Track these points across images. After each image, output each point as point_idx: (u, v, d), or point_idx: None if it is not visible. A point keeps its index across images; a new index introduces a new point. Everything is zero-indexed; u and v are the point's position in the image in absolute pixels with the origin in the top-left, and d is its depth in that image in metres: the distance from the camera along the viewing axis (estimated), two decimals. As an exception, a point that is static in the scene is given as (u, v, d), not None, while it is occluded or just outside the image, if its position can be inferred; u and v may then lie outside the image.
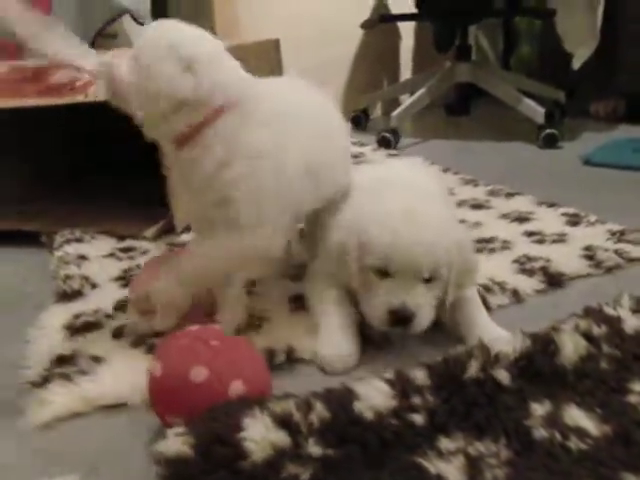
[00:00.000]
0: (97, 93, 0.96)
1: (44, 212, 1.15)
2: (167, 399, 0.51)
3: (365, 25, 1.76)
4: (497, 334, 0.63)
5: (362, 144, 1.59)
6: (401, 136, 1.55)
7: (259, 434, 0.46)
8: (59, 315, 0.75)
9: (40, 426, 0.57)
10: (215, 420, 0.47)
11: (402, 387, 0.52)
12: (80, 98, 0.99)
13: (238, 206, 0.61)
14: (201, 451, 0.45)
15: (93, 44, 1.50)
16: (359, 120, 1.83)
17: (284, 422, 0.48)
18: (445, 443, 0.49)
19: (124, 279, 0.85)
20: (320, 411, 0.49)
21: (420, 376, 0.53)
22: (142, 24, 1.52)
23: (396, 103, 2.00)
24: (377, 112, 2.05)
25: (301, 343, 0.65)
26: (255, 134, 0.61)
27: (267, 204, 0.62)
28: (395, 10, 1.92)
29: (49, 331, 0.72)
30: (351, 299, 0.68)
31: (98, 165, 1.34)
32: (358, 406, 0.50)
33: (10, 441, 0.56)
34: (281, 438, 0.47)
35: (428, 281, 0.62)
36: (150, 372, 0.52)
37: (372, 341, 0.66)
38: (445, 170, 1.28)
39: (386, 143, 1.53)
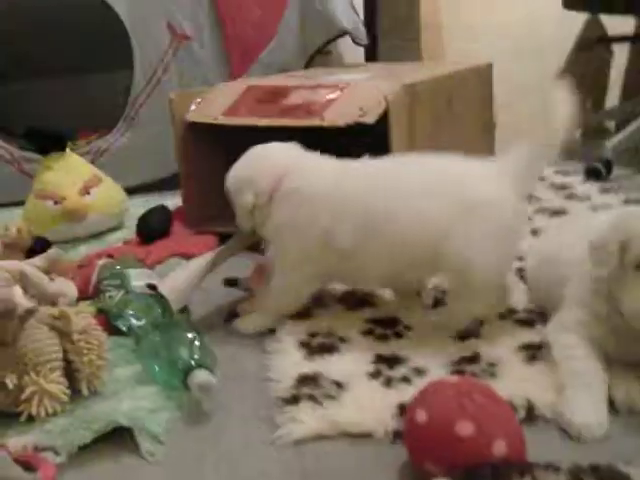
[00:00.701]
0: (334, 118, 1.01)
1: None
2: (429, 447, 0.53)
3: (582, 46, 1.66)
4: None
5: (566, 172, 1.50)
6: (613, 168, 1.43)
7: (533, 504, 0.46)
8: (294, 331, 0.81)
9: (292, 442, 0.62)
10: (485, 480, 0.48)
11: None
12: (317, 122, 1.03)
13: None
14: (475, 511, 0.46)
15: (310, 61, 1.61)
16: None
17: (557, 497, 0.47)
18: None
19: (348, 301, 0.90)
20: (594, 491, 0.48)
21: None
22: (359, 45, 1.60)
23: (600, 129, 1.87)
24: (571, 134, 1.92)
25: (542, 399, 0.63)
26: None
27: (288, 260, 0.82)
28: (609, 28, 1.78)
29: (287, 346, 0.78)
30: (602, 357, 0.65)
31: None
32: (635, 493, 0.48)
33: (268, 452, 0.61)
34: (555, 513, 0.46)
35: None
36: (413, 418, 0.54)
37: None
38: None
39: (596, 174, 1.42)
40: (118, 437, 0.63)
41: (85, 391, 0.68)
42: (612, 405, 0.62)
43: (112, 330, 0.81)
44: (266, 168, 0.84)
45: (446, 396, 0.53)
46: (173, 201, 1.45)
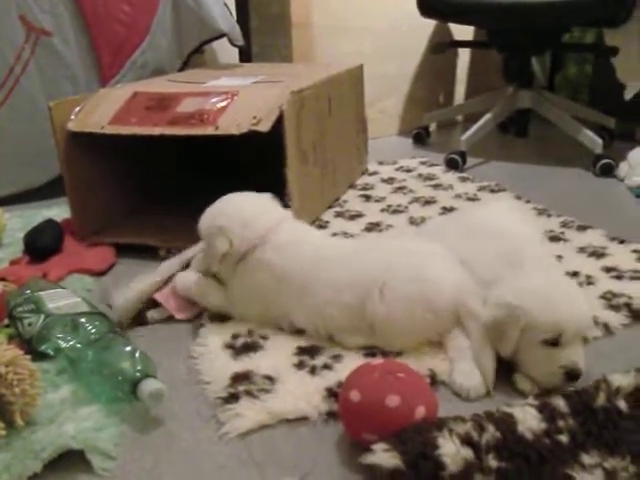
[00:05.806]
0: (228, 127, 1.03)
1: (160, 225, 1.24)
2: (364, 420, 0.63)
3: (435, 50, 1.87)
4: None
5: (432, 164, 1.70)
6: (467, 158, 1.65)
7: (452, 450, 0.59)
8: (217, 334, 0.87)
9: (239, 436, 0.68)
10: (413, 439, 0.60)
11: (549, 413, 0.65)
12: (210, 130, 1.04)
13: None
14: (411, 464, 0.58)
15: (186, 62, 1.60)
16: (421, 136, 1.96)
17: (467, 441, 0.60)
18: (586, 459, 0.61)
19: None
20: (492, 432, 0.62)
21: (560, 404, 0.66)
22: (236, 46, 1.62)
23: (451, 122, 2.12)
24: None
25: (440, 368, 0.77)
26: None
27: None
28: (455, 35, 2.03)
29: (212, 349, 0.83)
30: None
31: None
32: (520, 428, 0.63)
33: (219, 448, 0.67)
34: (468, 454, 0.59)
35: None
36: (347, 398, 0.64)
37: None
38: (517, 198, 1.39)
39: (454, 165, 1.64)
40: (64, 462, 0.64)
41: (20, 422, 0.68)
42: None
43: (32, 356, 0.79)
44: (244, 221, 0.87)
45: (374, 377, 0.64)
46: (50, 212, 1.39)
